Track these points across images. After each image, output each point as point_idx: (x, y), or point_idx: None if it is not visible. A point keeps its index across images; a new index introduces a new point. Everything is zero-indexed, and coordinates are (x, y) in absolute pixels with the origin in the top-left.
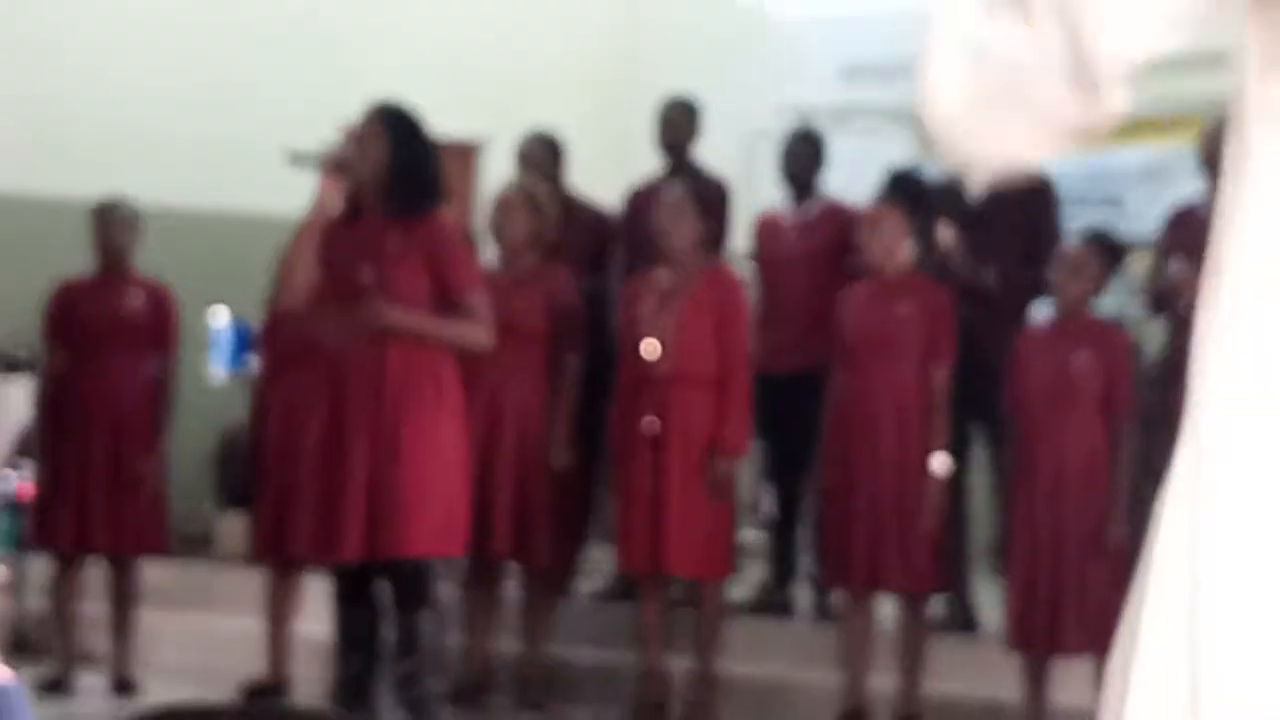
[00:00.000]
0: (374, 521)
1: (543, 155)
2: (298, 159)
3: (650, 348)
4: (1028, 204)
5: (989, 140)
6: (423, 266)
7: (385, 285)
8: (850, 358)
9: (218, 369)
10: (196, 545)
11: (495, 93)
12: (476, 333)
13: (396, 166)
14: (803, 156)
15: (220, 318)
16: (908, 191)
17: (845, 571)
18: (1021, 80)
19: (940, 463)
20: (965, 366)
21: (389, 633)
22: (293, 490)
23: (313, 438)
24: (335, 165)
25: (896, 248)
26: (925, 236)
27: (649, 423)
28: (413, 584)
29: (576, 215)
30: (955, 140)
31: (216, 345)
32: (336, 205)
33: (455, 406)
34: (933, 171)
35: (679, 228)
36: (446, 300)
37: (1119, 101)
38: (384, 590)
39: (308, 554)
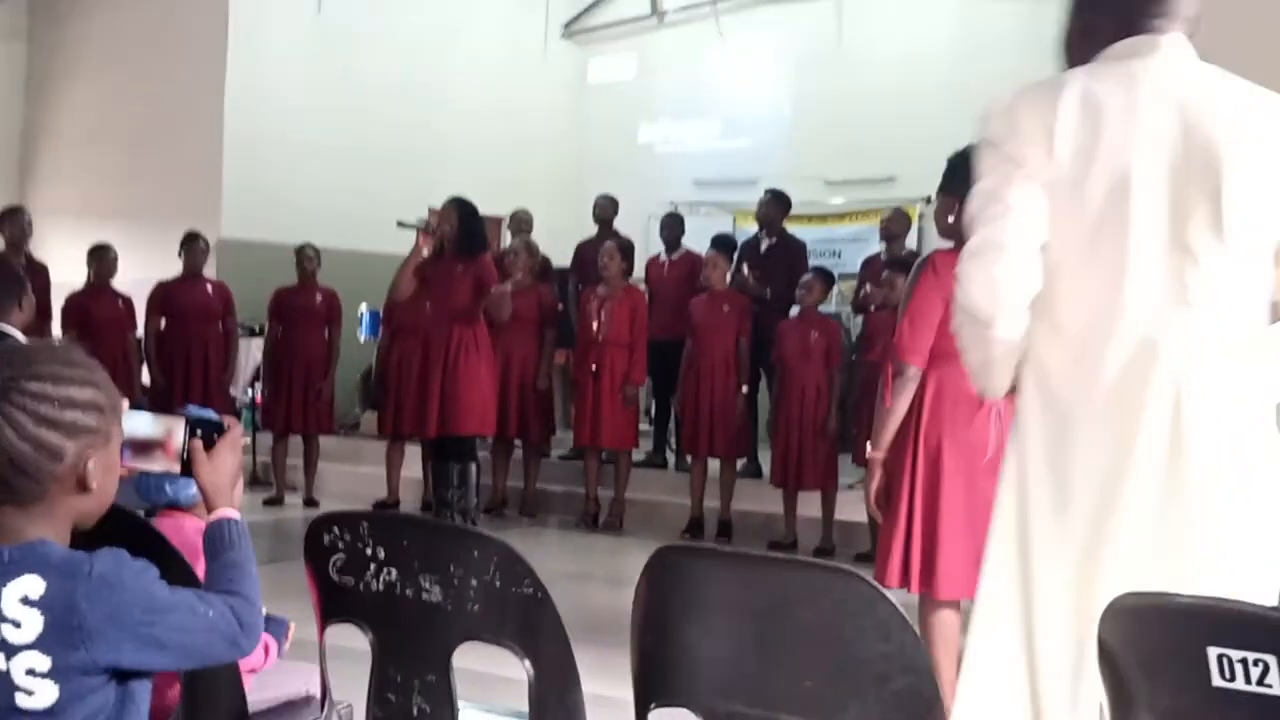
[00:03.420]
0: (444, 415)
1: (524, 219)
2: (403, 224)
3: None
4: (790, 253)
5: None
6: (473, 284)
7: (451, 293)
8: (697, 333)
9: (362, 334)
10: (350, 428)
11: (508, 192)
12: (500, 308)
13: (462, 231)
14: (672, 228)
15: (363, 308)
16: (726, 246)
17: (693, 444)
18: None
19: (743, 387)
20: (755, 338)
21: (453, 475)
22: (401, 398)
23: (414, 371)
24: (427, 229)
25: (721, 276)
26: (735, 271)
27: (592, 367)
28: (465, 449)
29: (542, 258)
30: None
31: (362, 322)
32: (427, 250)
33: (488, 355)
34: (739, 237)
35: (611, 264)
36: (485, 293)
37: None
38: (450, 452)
39: (413, 431)
